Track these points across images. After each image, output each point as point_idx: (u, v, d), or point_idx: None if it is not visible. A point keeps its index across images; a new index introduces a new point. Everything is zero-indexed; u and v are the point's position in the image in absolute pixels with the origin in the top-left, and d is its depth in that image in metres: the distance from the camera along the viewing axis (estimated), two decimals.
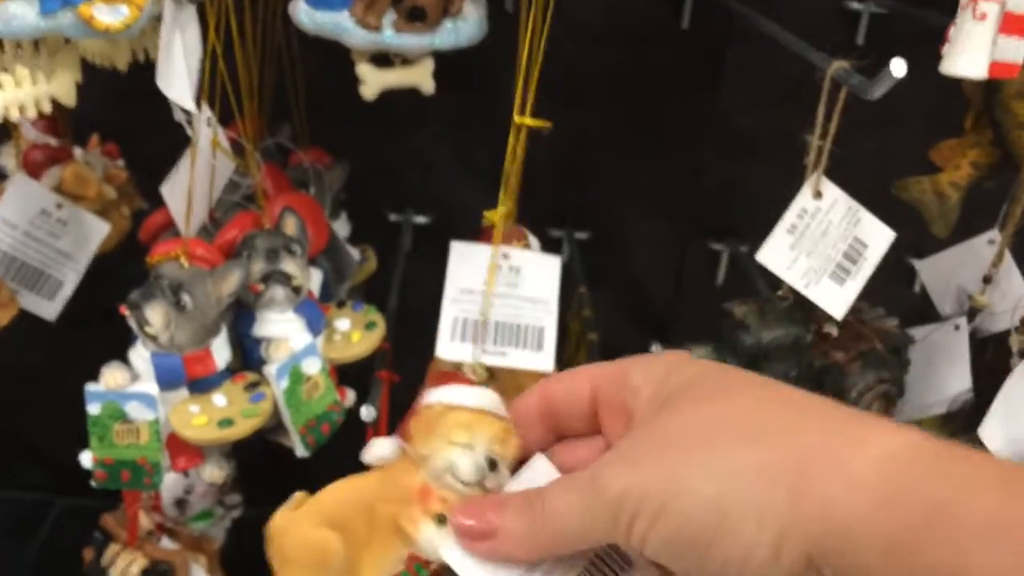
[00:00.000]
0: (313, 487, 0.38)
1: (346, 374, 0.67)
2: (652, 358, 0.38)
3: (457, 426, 0.40)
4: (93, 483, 0.56)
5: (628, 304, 1.00)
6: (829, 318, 0.59)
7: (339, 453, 0.72)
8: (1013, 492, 0.27)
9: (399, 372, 0.71)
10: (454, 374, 0.62)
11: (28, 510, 1.06)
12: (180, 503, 0.80)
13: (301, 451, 0.58)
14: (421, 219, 0.96)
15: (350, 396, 0.63)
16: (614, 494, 0.33)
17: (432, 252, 0.65)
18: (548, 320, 0.62)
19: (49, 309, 0.72)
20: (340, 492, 0.41)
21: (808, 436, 0.31)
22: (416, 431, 0.41)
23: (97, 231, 0.73)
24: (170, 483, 0.79)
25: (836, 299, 0.58)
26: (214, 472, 0.58)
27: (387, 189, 0.96)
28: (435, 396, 0.42)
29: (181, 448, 0.57)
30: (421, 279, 0.67)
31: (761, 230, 0.59)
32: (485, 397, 0.43)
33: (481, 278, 0.63)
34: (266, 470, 0.90)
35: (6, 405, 0.97)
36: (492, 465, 0.40)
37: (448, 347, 0.61)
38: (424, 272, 0.66)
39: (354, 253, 0.73)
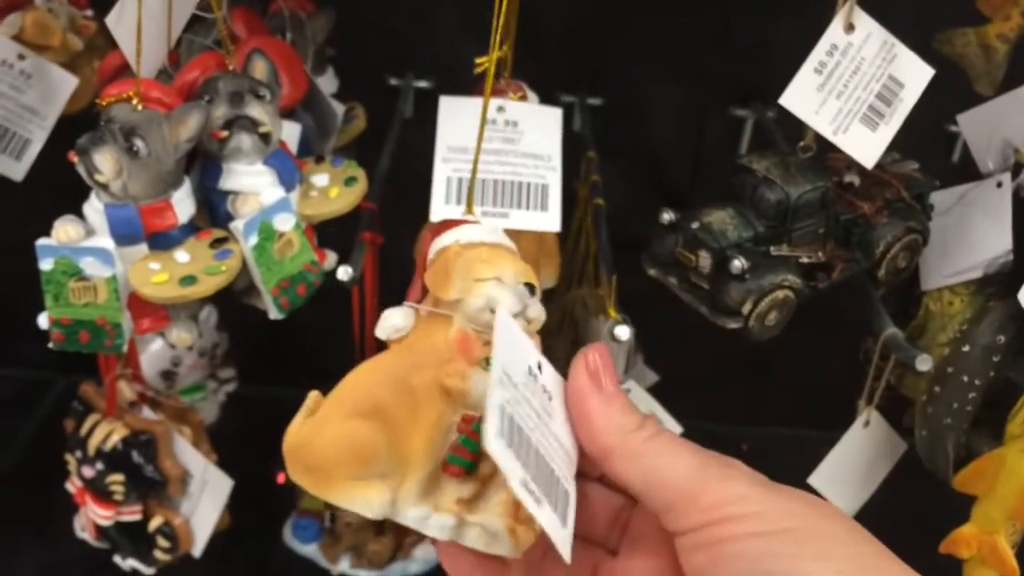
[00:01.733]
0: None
1: (334, 240, 0.62)
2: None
3: (479, 262, 0.37)
4: (51, 345, 0.53)
5: (644, 175, 0.94)
6: (850, 166, 0.53)
7: (342, 327, 0.69)
8: None
9: (391, 239, 0.66)
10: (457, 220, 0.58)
11: (30, 387, 1.05)
12: (167, 375, 0.77)
13: (274, 313, 0.54)
14: (423, 83, 0.90)
15: (331, 258, 0.58)
16: None
17: (435, 119, 0.59)
18: (552, 177, 0.57)
19: (16, 169, 0.67)
20: (365, 378, 0.36)
21: None
22: (437, 278, 0.37)
23: (65, 85, 0.68)
24: (156, 354, 0.76)
25: (867, 146, 0.51)
26: (181, 335, 0.54)
27: (386, 50, 0.89)
28: (445, 239, 0.39)
29: (145, 309, 0.53)
30: (422, 147, 0.62)
31: None
32: (494, 232, 0.40)
33: (474, 134, 0.58)
34: (263, 345, 0.87)
35: (6, 280, 0.94)
36: (531, 290, 0.37)
37: (442, 209, 0.57)
38: (425, 140, 0.60)
39: (338, 108, 0.67)
